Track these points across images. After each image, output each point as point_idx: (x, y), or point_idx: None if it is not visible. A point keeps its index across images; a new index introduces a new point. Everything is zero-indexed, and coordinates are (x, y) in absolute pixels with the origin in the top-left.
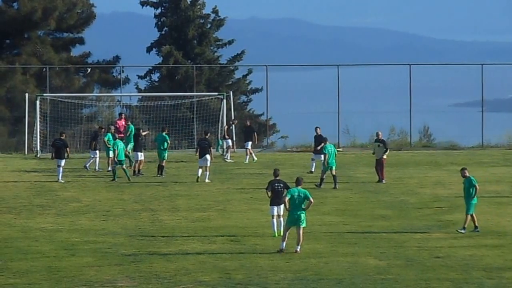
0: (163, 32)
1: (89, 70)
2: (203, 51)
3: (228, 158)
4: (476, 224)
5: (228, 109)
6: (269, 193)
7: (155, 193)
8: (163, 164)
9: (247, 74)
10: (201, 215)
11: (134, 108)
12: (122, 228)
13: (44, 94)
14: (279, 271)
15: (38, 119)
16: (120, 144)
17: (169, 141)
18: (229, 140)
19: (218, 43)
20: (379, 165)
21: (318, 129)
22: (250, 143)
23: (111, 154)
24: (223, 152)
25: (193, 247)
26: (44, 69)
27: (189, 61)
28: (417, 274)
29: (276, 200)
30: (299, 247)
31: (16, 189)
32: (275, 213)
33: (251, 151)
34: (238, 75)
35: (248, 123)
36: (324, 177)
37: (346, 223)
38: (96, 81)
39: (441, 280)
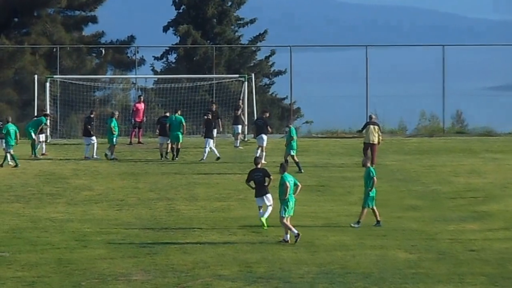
0: (180, 11)
1: (102, 50)
2: (223, 31)
3: (237, 144)
4: (378, 219)
5: (250, 92)
6: (252, 185)
7: (171, 181)
8: (179, 147)
9: (269, 55)
10: (220, 205)
11: (150, 91)
12: (136, 218)
13: (55, 76)
14: (303, 264)
15: (48, 102)
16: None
17: (184, 124)
18: (239, 126)
19: (239, 22)
20: (372, 150)
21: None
22: (239, 127)
23: (115, 141)
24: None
25: (212, 238)
26: (55, 49)
27: (208, 41)
28: (449, 268)
29: (259, 190)
30: (288, 236)
31: (25, 176)
32: (262, 204)
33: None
34: (260, 56)
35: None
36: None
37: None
38: (110, 62)
39: (475, 275)
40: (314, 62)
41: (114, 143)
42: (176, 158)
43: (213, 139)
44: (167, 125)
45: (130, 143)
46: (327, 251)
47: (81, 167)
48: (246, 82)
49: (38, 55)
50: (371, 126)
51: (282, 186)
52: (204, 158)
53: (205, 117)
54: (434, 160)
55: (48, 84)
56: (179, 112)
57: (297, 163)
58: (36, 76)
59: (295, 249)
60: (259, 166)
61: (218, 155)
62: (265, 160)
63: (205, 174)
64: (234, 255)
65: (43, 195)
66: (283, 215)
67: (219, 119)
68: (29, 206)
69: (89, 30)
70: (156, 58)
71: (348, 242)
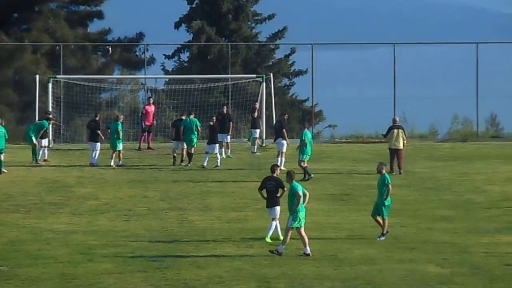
0: (193, 5)
1: (109, 48)
2: (239, 27)
3: (255, 150)
4: (385, 231)
5: (268, 94)
6: (264, 194)
7: (184, 190)
8: (192, 152)
9: (289, 54)
10: (236, 215)
11: (160, 92)
12: (146, 230)
13: (57, 76)
14: (326, 280)
15: (50, 104)
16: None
17: (200, 127)
18: (257, 130)
19: (256, 17)
20: (398, 156)
21: (397, 118)
22: (257, 131)
23: (120, 146)
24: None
25: (227, 251)
26: (57, 47)
27: (223, 38)
28: (484, 283)
29: (270, 201)
30: (308, 248)
31: (25, 184)
32: (273, 216)
33: (228, 145)
34: (279, 54)
35: (225, 110)
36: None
37: (403, 225)
38: (117, 61)
39: None
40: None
41: (120, 149)
42: (189, 164)
43: (218, 144)
44: (181, 128)
45: (139, 148)
46: (352, 265)
47: (86, 175)
48: (264, 83)
49: (40, 54)
50: (395, 130)
51: (294, 196)
52: (219, 165)
53: (211, 123)
54: (467, 167)
55: (50, 85)
56: (193, 114)
57: (304, 169)
58: (37, 76)
59: (317, 263)
60: (275, 174)
61: (219, 164)
62: (284, 167)
63: (220, 182)
64: (251, 270)
65: (45, 205)
66: (291, 226)
67: (231, 122)
68: (30, 216)
69: (94, 27)
70: (167, 57)
71: (374, 256)
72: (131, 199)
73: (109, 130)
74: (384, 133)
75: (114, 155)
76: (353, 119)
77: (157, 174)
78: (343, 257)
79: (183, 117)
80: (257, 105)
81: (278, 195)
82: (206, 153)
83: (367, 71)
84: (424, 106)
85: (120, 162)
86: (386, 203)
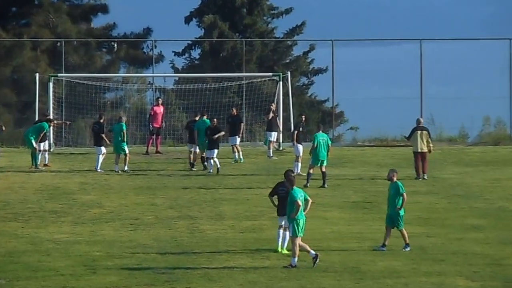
0: None
1: (114, 45)
2: (254, 22)
3: (271, 154)
4: (386, 243)
5: (285, 94)
6: (275, 200)
7: (194, 197)
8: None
9: (308, 51)
10: (251, 224)
11: (170, 92)
12: (154, 240)
13: (59, 75)
14: None
15: (51, 105)
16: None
17: None
18: (272, 133)
19: (272, 11)
20: (423, 160)
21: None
22: (273, 134)
23: (126, 149)
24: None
25: (241, 263)
26: (59, 43)
27: (237, 34)
28: None
29: (281, 208)
30: (296, 259)
31: (24, 191)
32: (282, 224)
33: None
34: (297, 51)
35: (234, 111)
36: (311, 171)
37: (430, 235)
38: (123, 58)
39: None
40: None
41: (127, 152)
42: (210, 171)
43: (218, 149)
44: (195, 131)
45: (147, 152)
46: (375, 279)
47: (90, 181)
48: (280, 82)
49: (40, 51)
50: (419, 132)
51: (293, 205)
52: (211, 170)
53: (210, 126)
54: (500, 172)
55: (51, 84)
56: (205, 115)
57: (308, 175)
58: (37, 74)
59: (338, 276)
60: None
61: (211, 170)
62: (302, 172)
63: (233, 189)
64: (267, 283)
65: (45, 213)
66: (296, 235)
67: (241, 124)
68: (29, 225)
69: (98, 21)
70: (176, 54)
71: (399, 268)
72: (138, 207)
73: (111, 132)
74: (407, 135)
75: (118, 159)
76: (377, 121)
77: (166, 180)
78: (366, 269)
79: (197, 118)
80: (273, 106)
81: (296, 199)
82: (207, 159)
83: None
84: (453, 106)
85: (126, 167)
86: (401, 213)
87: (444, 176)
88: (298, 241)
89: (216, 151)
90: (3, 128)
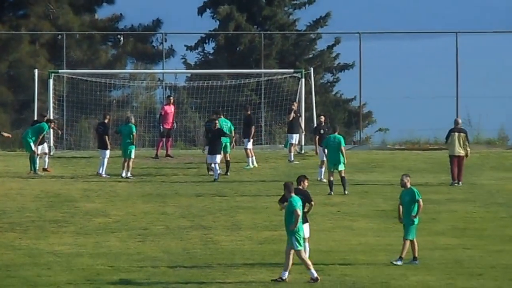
0: None
1: (120, 38)
2: (274, 13)
3: (292, 158)
4: (416, 254)
5: (308, 92)
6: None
7: (208, 205)
8: (229, 159)
9: (333, 45)
10: (270, 235)
11: (181, 90)
12: (164, 252)
13: (60, 71)
14: None
15: (51, 104)
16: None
17: (234, 130)
18: (294, 135)
19: (294, 2)
20: (459, 164)
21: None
22: (294, 136)
23: (133, 153)
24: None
25: (259, 277)
26: (60, 36)
27: (255, 26)
28: None
29: None
30: (314, 271)
31: (22, 198)
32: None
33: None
34: (321, 46)
35: (248, 111)
36: (331, 179)
37: (467, 247)
38: (130, 53)
39: None
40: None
41: (132, 157)
42: (227, 175)
43: (220, 154)
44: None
45: (156, 156)
46: None
47: (94, 187)
48: (303, 79)
49: (39, 44)
50: (456, 134)
51: (292, 214)
52: (217, 177)
53: (212, 128)
54: None
55: (51, 81)
56: (222, 115)
57: (329, 182)
58: (36, 71)
59: None
60: (300, 186)
61: (217, 176)
62: (324, 178)
63: (251, 196)
64: None
65: (45, 223)
66: (298, 248)
67: (252, 127)
68: (27, 236)
69: (103, 12)
70: (189, 48)
71: (433, 283)
72: (147, 216)
73: (118, 134)
74: (445, 139)
75: (125, 164)
76: (408, 121)
77: (177, 186)
78: (397, 285)
79: (214, 117)
80: (295, 106)
81: (306, 210)
82: (210, 164)
83: (425, 65)
84: (492, 106)
85: (129, 173)
86: (416, 222)
87: (482, 182)
88: (302, 253)
89: (218, 156)
90: (5, 135)
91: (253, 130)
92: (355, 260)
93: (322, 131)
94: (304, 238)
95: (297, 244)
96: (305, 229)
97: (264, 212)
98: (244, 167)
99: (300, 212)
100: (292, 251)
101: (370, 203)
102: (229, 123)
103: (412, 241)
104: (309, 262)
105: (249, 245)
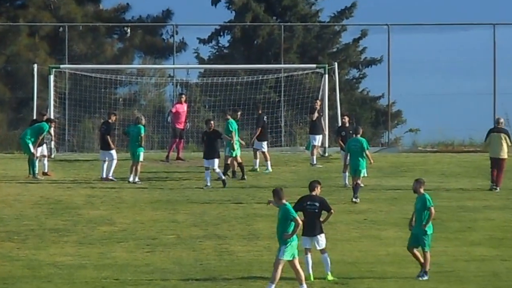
0: None
1: (127, 30)
2: (295, 3)
3: (314, 161)
4: (427, 269)
5: (332, 89)
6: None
7: (223, 213)
8: (241, 161)
9: (359, 38)
10: None
11: (193, 87)
12: (175, 263)
13: (61, 66)
14: None
15: (52, 102)
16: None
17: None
18: (316, 136)
19: None
20: (498, 168)
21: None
22: (317, 137)
23: (141, 156)
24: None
25: None
26: (61, 28)
27: (275, 17)
28: None
29: (310, 228)
30: (305, 285)
31: (20, 205)
32: (310, 247)
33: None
34: (346, 39)
35: (259, 111)
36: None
37: (505, 258)
38: (138, 47)
39: None
40: (421, 47)
41: (141, 160)
42: (244, 179)
43: (219, 158)
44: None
45: (167, 158)
46: None
47: (98, 193)
48: (326, 75)
49: (39, 37)
50: (496, 135)
51: (286, 222)
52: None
53: (207, 130)
54: None
55: (52, 77)
56: (229, 115)
57: (354, 187)
58: (35, 66)
59: None
60: (314, 193)
61: (208, 183)
62: (349, 182)
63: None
64: None
65: (45, 231)
66: (283, 258)
67: (258, 128)
68: (26, 246)
69: (109, 2)
70: (202, 42)
71: None
72: (156, 224)
73: (126, 136)
74: (485, 140)
75: (133, 167)
76: (441, 121)
77: (189, 192)
78: None
79: (228, 116)
80: (318, 104)
81: (323, 219)
82: (207, 169)
83: (459, 60)
84: None
85: (137, 178)
86: (428, 231)
87: None
88: (296, 263)
89: (216, 160)
90: None
91: (258, 131)
92: (383, 272)
93: (343, 133)
94: (325, 253)
95: (291, 254)
96: (320, 240)
97: None
98: (263, 172)
99: (300, 221)
100: (297, 261)
101: (399, 210)
102: (234, 125)
103: (425, 253)
104: (277, 276)
105: (267, 256)
